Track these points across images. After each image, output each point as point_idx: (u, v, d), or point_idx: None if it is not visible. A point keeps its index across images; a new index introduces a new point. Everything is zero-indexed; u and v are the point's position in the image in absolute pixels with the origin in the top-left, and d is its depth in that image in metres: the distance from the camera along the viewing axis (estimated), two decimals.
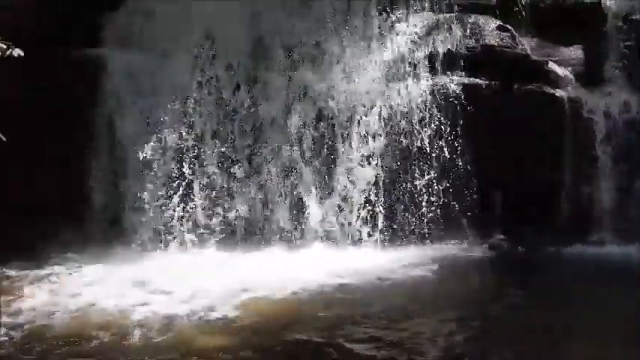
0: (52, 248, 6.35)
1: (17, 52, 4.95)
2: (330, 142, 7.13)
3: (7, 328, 4.68)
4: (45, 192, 6.69)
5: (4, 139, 5.08)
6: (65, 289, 5.63)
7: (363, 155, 7.14)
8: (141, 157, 6.80)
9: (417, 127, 7.24)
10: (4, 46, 4.95)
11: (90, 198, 6.88)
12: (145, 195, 6.78)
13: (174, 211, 6.79)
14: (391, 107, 7.25)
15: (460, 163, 7.16)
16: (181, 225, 6.77)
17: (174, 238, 6.74)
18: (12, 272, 6.02)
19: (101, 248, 6.51)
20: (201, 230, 6.81)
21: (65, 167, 6.76)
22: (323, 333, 4.69)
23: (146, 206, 6.76)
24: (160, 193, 6.84)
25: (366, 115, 7.22)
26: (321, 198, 7.03)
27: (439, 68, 7.45)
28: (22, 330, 4.72)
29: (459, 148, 7.18)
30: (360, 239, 6.95)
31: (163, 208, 6.79)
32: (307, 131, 7.12)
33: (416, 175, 7.14)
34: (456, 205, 7.07)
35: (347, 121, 7.19)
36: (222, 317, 4.98)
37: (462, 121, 7.19)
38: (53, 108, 6.78)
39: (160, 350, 4.41)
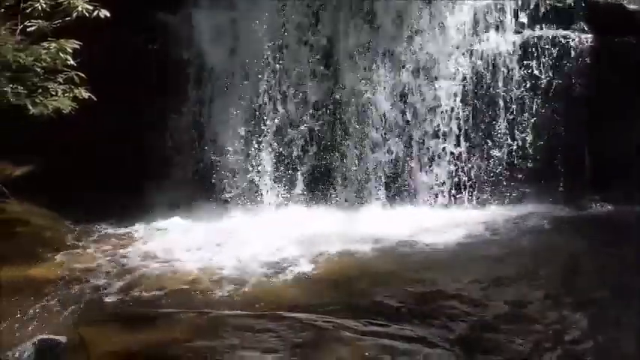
0: (147, 207, 6.61)
1: (103, 12, 5.12)
2: (418, 100, 7.00)
3: (112, 276, 4.98)
4: (139, 153, 6.93)
5: (94, 98, 5.33)
6: (158, 244, 5.86)
7: (451, 114, 6.97)
8: (226, 115, 6.93)
9: (508, 85, 6.97)
10: (91, 7, 5.12)
11: (179, 157, 7.09)
12: (231, 151, 6.93)
13: (260, 166, 6.90)
14: (479, 62, 7.00)
15: (553, 122, 6.87)
16: (266, 181, 6.88)
17: (260, 193, 6.86)
18: (110, 230, 6.32)
19: (191, 205, 6.72)
20: (286, 186, 6.89)
21: (153, 129, 6.98)
22: (409, 287, 4.69)
23: (232, 162, 6.92)
24: (246, 148, 6.96)
25: (454, 72, 7.00)
26: (407, 156, 6.94)
27: (529, 21, 7.10)
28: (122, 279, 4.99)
29: (552, 106, 6.89)
30: (450, 197, 6.86)
31: (250, 163, 6.92)
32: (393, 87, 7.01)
33: (507, 133, 6.92)
34: (548, 165, 6.83)
35: (433, 78, 7.01)
36: (303, 272, 5.07)
37: (553, 78, 6.87)
38: (140, 70, 6.97)
39: (240, 302, 4.55)
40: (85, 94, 5.13)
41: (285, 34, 7.04)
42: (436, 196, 6.94)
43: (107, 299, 4.60)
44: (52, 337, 3.93)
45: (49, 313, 4.38)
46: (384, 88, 6.99)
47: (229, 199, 6.89)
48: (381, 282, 4.85)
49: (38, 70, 5.13)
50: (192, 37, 7.07)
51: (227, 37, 7.13)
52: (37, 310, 4.42)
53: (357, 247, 5.58)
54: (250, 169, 6.99)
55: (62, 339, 3.81)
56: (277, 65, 7.03)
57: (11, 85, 5.10)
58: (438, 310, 4.34)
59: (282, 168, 6.98)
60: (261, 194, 6.91)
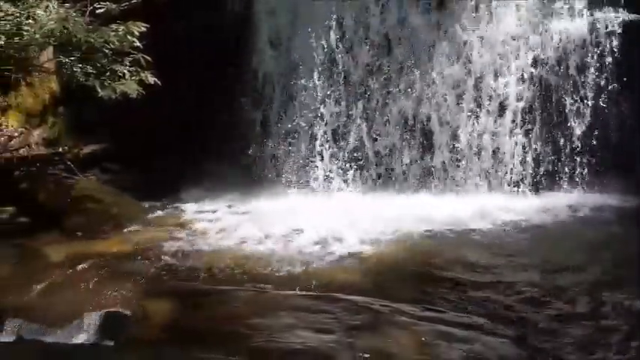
0: (208, 188, 6.76)
1: None
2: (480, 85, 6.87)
3: (173, 252, 5.13)
4: (200, 136, 7.08)
5: (159, 84, 5.45)
6: (217, 224, 5.99)
7: (513, 99, 6.81)
8: (287, 98, 7.03)
9: (573, 70, 6.75)
10: None
11: (240, 140, 7.22)
12: (292, 134, 7.03)
13: (318, 150, 6.94)
14: (544, 47, 6.79)
15: (618, 109, 6.65)
16: (325, 165, 6.91)
17: (318, 177, 6.91)
18: (171, 209, 6.50)
19: (250, 188, 6.84)
20: (345, 170, 6.91)
21: (214, 112, 7.12)
22: (468, 274, 4.66)
23: (293, 145, 7.02)
24: (306, 131, 7.02)
25: (517, 57, 6.83)
26: (469, 144, 6.84)
27: (597, 3, 6.84)
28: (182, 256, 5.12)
29: (619, 93, 6.64)
30: (513, 184, 6.74)
31: (309, 146, 7.00)
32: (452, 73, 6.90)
33: (571, 121, 6.71)
34: (611, 154, 6.62)
35: (496, 63, 6.86)
36: (359, 256, 5.08)
37: (621, 63, 6.60)
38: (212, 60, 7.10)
39: (295, 283, 4.59)
40: (151, 79, 5.25)
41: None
42: (498, 182, 6.83)
43: (168, 275, 4.73)
44: (117, 309, 4.08)
45: (114, 286, 4.55)
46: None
47: (287, 184, 6.97)
48: (439, 267, 4.82)
49: (106, 51, 5.28)
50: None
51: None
52: (103, 283, 4.59)
53: (414, 232, 5.56)
54: (309, 155, 7.04)
55: (127, 311, 3.94)
56: (339, 56, 7.03)
57: (80, 65, 5.28)
58: (499, 298, 4.28)
59: (340, 154, 7.00)
60: (319, 179, 6.95)
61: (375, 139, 7.01)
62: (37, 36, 4.85)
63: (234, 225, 5.88)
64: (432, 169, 6.90)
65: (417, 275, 4.71)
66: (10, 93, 7.02)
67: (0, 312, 4.16)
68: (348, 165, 6.98)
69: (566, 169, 6.74)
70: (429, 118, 6.93)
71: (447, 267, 4.82)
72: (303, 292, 4.39)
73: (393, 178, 6.95)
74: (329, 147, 7.03)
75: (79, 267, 4.83)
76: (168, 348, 3.63)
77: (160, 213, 6.31)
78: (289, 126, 7.16)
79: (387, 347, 3.60)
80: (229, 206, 6.55)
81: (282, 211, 6.28)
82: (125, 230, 5.70)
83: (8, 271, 4.74)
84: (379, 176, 6.99)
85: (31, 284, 4.53)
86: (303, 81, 7.06)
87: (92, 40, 5.09)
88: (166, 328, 3.78)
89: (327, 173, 6.96)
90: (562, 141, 6.75)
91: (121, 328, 3.89)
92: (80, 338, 3.92)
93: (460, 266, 4.83)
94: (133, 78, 5.27)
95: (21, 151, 6.97)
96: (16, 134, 7.15)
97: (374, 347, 3.57)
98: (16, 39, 4.88)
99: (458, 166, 6.85)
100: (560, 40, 6.79)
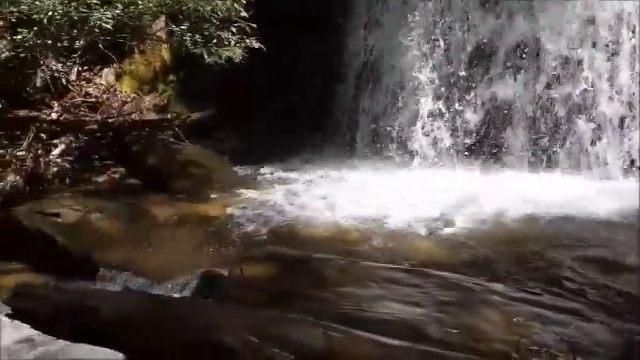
0: (306, 158, 6.88)
1: None
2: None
3: (269, 218, 5.31)
4: (303, 105, 7.20)
5: (264, 49, 5.57)
6: (312, 193, 6.10)
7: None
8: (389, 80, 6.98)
9: None
10: None
11: (340, 115, 7.28)
12: (392, 112, 7.00)
13: (418, 127, 6.88)
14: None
15: None
16: (424, 142, 6.84)
17: (417, 154, 6.87)
18: (270, 176, 6.68)
19: (348, 161, 6.93)
20: (445, 148, 6.83)
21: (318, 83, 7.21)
22: (567, 257, 4.52)
23: (394, 123, 6.98)
24: (405, 110, 6.96)
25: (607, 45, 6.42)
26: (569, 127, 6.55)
27: None
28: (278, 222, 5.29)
29: None
30: (617, 168, 6.42)
31: (409, 126, 6.94)
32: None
33: None
34: None
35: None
36: (452, 232, 5.05)
37: None
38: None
39: (386, 256, 4.63)
40: (256, 44, 5.38)
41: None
42: (597, 166, 6.49)
43: (263, 239, 4.90)
44: (214, 269, 4.27)
45: (212, 247, 4.77)
46: None
47: (386, 158, 6.95)
48: (536, 249, 4.68)
49: (214, 20, 5.45)
50: None
51: None
52: (204, 244, 4.82)
53: (513, 212, 5.42)
54: (405, 131, 6.98)
55: (224, 272, 4.12)
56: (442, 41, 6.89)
57: (189, 34, 5.48)
58: (599, 284, 4.11)
59: (444, 130, 6.89)
60: (417, 155, 6.89)
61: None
62: (151, 4, 5.09)
63: (328, 196, 5.95)
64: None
65: (513, 256, 4.59)
66: (124, 60, 7.43)
67: (111, 265, 4.48)
68: (452, 141, 6.86)
69: None
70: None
71: (546, 250, 4.66)
72: (394, 265, 4.39)
73: (501, 155, 6.76)
74: (433, 123, 6.93)
75: (183, 227, 5.09)
76: (261, 308, 3.76)
77: (257, 180, 6.51)
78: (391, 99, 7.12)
79: (477, 325, 3.55)
80: (325, 176, 6.63)
81: (379, 184, 6.30)
82: (225, 194, 5.92)
83: (119, 229, 5.07)
84: (484, 153, 6.82)
85: (139, 241, 4.84)
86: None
87: (201, 9, 5.26)
88: (260, 290, 3.91)
89: (429, 149, 6.88)
90: None
91: (218, 287, 4.07)
92: (181, 292, 4.15)
93: (558, 249, 4.66)
94: (237, 45, 5.41)
95: (133, 115, 7.39)
96: (128, 100, 7.58)
97: (463, 323, 3.52)
98: (132, 8, 5.13)
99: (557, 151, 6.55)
100: None
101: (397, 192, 6.00)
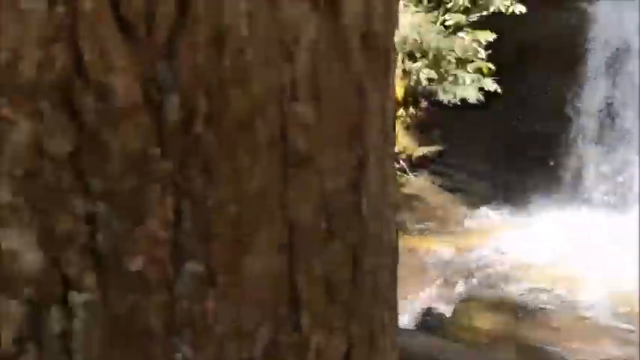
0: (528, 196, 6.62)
1: (519, 8, 5.26)
2: None
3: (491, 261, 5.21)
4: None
5: (500, 91, 5.52)
6: (542, 236, 5.80)
7: None
8: None
9: None
10: (508, 3, 5.31)
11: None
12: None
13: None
14: None
15: None
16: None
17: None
18: (498, 216, 6.50)
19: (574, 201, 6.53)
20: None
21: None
22: None
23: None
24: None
25: None
26: None
27: None
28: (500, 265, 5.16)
29: None
30: None
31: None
32: None
33: None
34: None
35: None
36: None
37: None
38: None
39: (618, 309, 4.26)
40: (492, 86, 5.35)
41: None
42: None
43: (484, 281, 4.81)
44: (436, 307, 4.29)
45: (432, 284, 4.79)
46: None
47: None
48: None
49: (451, 59, 5.54)
50: None
51: None
52: (424, 277, 4.87)
53: None
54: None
55: (446, 311, 4.13)
56: None
57: (425, 71, 5.64)
58: None
59: None
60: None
61: None
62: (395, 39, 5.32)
63: (553, 238, 5.66)
64: None
65: None
66: None
67: None
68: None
69: None
70: None
71: None
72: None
73: None
74: None
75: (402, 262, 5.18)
76: (480, 351, 3.71)
77: (484, 219, 6.37)
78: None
79: None
80: (548, 218, 6.29)
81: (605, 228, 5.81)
82: (446, 233, 5.91)
83: None
84: None
85: None
86: None
87: (440, 48, 5.38)
88: (482, 333, 3.86)
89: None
90: None
91: (439, 325, 4.08)
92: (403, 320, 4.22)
93: None
94: (473, 83, 5.43)
95: None
96: None
97: None
98: None
99: None
100: None
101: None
